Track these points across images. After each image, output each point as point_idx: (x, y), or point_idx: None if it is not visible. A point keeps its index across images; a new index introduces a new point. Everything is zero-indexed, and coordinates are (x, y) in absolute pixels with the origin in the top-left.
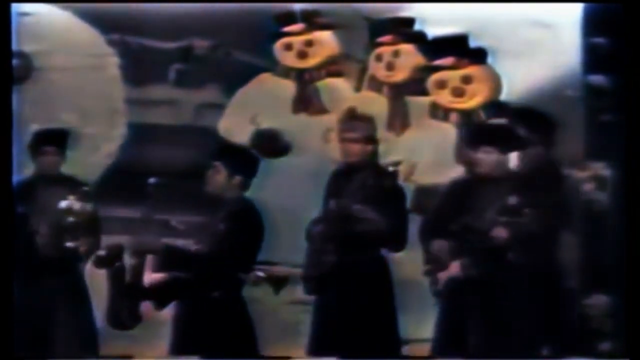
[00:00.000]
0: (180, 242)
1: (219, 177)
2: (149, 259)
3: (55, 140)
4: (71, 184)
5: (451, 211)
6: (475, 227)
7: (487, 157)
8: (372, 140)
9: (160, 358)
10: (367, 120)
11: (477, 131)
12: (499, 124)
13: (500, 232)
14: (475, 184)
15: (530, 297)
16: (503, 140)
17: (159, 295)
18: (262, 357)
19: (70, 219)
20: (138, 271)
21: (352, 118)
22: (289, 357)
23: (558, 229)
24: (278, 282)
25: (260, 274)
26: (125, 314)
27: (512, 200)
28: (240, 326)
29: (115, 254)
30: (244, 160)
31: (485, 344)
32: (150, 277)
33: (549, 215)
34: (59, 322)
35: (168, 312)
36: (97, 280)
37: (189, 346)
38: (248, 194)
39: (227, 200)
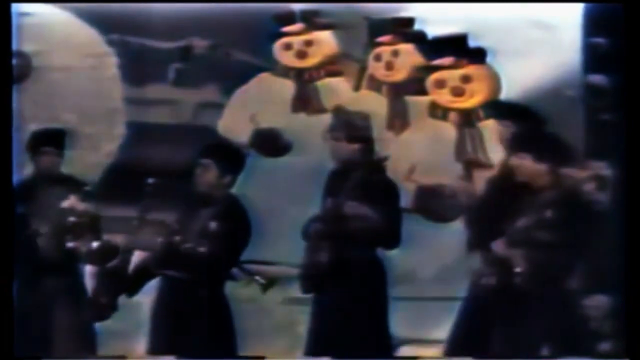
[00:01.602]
0: (173, 240)
1: (209, 176)
2: (138, 254)
3: (54, 140)
4: (72, 184)
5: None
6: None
7: (532, 166)
8: (358, 139)
9: (142, 358)
10: (354, 120)
11: (525, 140)
12: (548, 132)
13: (498, 247)
14: (516, 192)
15: (530, 297)
16: (551, 150)
17: (132, 283)
18: (238, 357)
19: (73, 219)
20: (123, 266)
21: (338, 117)
22: (262, 357)
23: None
24: (267, 283)
25: (247, 270)
26: (106, 306)
27: (549, 214)
28: (221, 324)
29: (109, 252)
30: (234, 158)
31: (488, 344)
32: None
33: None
34: (58, 323)
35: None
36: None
37: (168, 345)
38: (245, 192)
39: (216, 198)
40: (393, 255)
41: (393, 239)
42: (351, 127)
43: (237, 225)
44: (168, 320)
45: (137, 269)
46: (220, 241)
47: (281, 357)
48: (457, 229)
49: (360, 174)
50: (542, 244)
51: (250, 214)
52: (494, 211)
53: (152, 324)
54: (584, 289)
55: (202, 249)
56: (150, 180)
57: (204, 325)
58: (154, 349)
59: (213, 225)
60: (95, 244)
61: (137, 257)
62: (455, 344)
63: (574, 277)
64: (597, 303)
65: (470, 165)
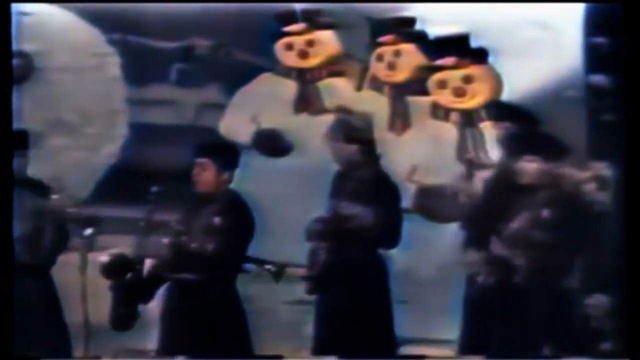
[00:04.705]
0: (180, 242)
1: (208, 175)
2: (148, 261)
3: (20, 142)
4: (39, 187)
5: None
6: (503, 236)
7: (530, 166)
8: (356, 140)
9: (149, 358)
10: (352, 121)
11: (521, 140)
12: (543, 132)
13: (497, 249)
14: (513, 192)
15: (531, 297)
16: (547, 150)
17: (145, 290)
18: (254, 357)
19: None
20: (138, 275)
21: (337, 117)
22: (280, 357)
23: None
24: (278, 271)
25: (268, 266)
26: (126, 316)
27: (546, 213)
28: (233, 322)
29: (121, 263)
30: (229, 155)
31: (490, 344)
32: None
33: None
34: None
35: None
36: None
37: (180, 343)
38: (246, 192)
39: (217, 195)
40: (394, 255)
41: (392, 239)
42: (349, 127)
43: (240, 218)
44: (179, 320)
45: (148, 275)
46: (225, 236)
47: (287, 358)
48: (457, 229)
49: (361, 174)
50: (540, 244)
51: (252, 212)
52: (492, 211)
53: (162, 324)
54: (584, 288)
55: (209, 247)
56: (155, 189)
57: (217, 325)
58: (164, 349)
59: (217, 220)
60: (105, 258)
61: (147, 263)
62: (462, 344)
63: (574, 276)
64: (597, 302)
65: (472, 164)
